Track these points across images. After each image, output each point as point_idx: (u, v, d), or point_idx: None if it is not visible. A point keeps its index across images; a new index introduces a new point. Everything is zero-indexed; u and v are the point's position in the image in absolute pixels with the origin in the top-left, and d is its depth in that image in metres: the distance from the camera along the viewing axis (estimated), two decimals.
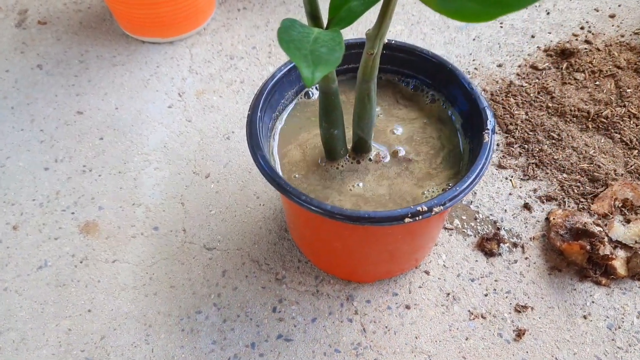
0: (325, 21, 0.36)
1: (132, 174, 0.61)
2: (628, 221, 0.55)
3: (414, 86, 0.50)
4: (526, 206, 0.58)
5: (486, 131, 0.42)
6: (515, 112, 0.64)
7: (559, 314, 0.51)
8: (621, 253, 0.53)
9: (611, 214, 0.56)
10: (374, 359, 0.49)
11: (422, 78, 0.49)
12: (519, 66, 0.69)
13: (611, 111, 0.63)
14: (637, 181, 0.58)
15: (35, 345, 0.50)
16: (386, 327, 0.51)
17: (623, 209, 0.57)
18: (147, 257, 0.55)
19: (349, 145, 0.46)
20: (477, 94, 0.44)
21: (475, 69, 0.69)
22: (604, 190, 0.57)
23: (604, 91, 0.65)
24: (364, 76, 0.40)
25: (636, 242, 0.53)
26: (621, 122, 0.62)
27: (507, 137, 0.63)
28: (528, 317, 0.51)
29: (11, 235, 0.57)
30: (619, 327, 0.50)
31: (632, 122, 0.62)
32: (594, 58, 0.69)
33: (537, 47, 0.72)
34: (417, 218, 0.38)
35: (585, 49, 0.70)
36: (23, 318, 0.52)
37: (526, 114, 0.64)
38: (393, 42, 0.48)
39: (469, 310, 0.52)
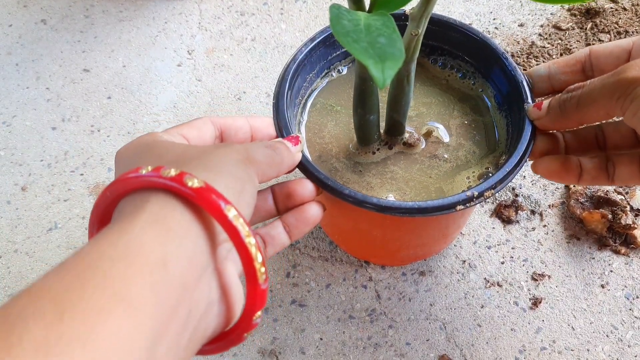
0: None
1: (141, 134, 0.59)
2: None
3: (442, 63, 0.47)
4: None
5: (527, 103, 0.40)
6: None
7: (576, 283, 0.50)
8: None
9: None
10: (388, 326, 0.49)
11: (448, 49, 0.46)
12: (541, 26, 0.66)
13: None
14: None
15: None
16: (401, 293, 0.50)
17: None
18: None
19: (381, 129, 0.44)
20: (513, 66, 0.42)
21: (496, 28, 0.67)
22: None
23: None
24: (405, 57, 0.37)
25: None
26: None
27: None
28: (545, 285, 0.50)
29: (20, 197, 0.56)
30: (637, 297, 0.50)
31: None
32: (620, 18, 0.66)
33: (561, 5, 0.69)
34: (469, 204, 0.36)
35: (612, 8, 0.67)
36: (34, 280, 0.51)
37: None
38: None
39: (484, 278, 0.51)
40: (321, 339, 0.48)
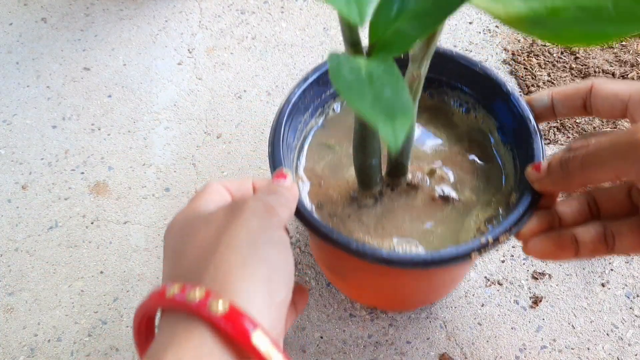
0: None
1: (141, 133, 0.60)
2: None
3: (441, 95, 0.46)
4: None
5: (534, 136, 0.39)
6: (538, 73, 0.62)
7: (576, 282, 0.50)
8: None
9: None
10: (388, 324, 0.49)
11: (446, 80, 0.45)
12: None
13: (637, 73, 0.61)
14: None
15: (48, 306, 0.50)
16: None
17: None
18: (158, 218, 0.54)
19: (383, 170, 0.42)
20: (518, 100, 0.40)
21: (497, 27, 0.67)
22: None
23: (630, 52, 0.63)
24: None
25: None
26: None
27: None
28: (545, 284, 0.50)
29: (20, 195, 0.56)
30: (637, 296, 0.50)
31: None
32: None
33: None
34: (484, 251, 0.34)
35: None
36: (35, 279, 0.51)
37: (548, 75, 0.62)
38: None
39: (485, 277, 0.51)
40: (322, 337, 0.48)
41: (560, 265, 0.51)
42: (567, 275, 0.51)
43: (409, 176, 0.42)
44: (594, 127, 0.58)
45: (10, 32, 0.68)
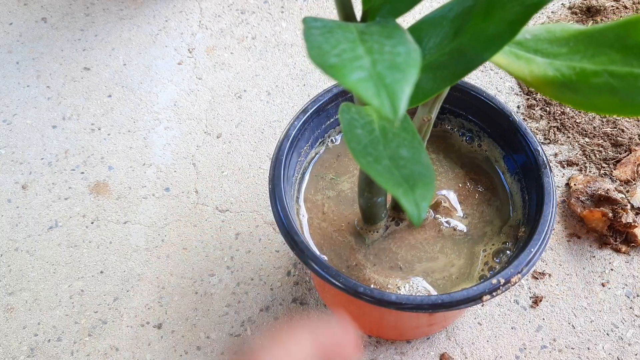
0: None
1: (142, 133, 0.60)
2: None
3: (450, 127, 0.45)
4: None
5: (543, 169, 0.38)
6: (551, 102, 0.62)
7: (576, 281, 0.50)
8: None
9: (634, 180, 0.54)
10: None
11: (449, 108, 0.44)
12: (542, 24, 0.66)
13: None
14: None
15: (48, 305, 0.50)
16: None
17: None
18: (159, 218, 0.54)
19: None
20: (532, 138, 0.40)
21: None
22: (627, 155, 0.56)
23: None
24: None
25: None
26: None
27: (528, 99, 0.61)
28: (545, 284, 0.50)
29: (20, 195, 0.56)
30: (637, 295, 0.50)
31: None
32: (620, 16, 0.66)
33: (562, 4, 0.69)
34: (495, 294, 0.34)
35: (612, 6, 0.67)
36: (35, 278, 0.51)
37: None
38: None
39: None
40: None
41: (561, 265, 0.51)
42: (567, 274, 0.51)
43: None
44: (594, 127, 0.58)
45: (11, 31, 0.68)
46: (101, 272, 0.51)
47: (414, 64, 0.20)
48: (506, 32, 0.25)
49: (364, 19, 0.28)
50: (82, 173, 0.57)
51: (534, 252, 0.36)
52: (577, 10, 0.67)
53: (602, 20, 0.66)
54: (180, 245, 0.53)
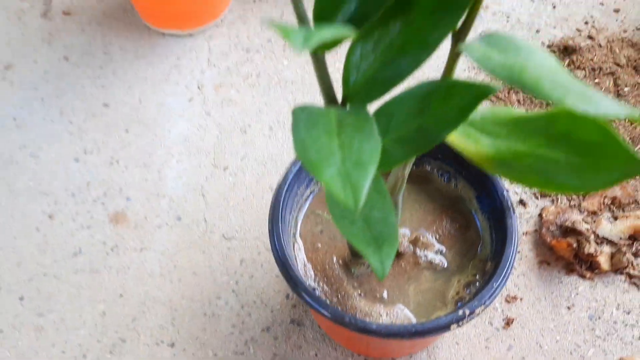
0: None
1: (156, 166, 0.66)
2: (615, 218, 0.60)
3: (430, 168, 0.51)
4: (521, 202, 0.62)
5: (507, 212, 0.44)
6: (517, 108, 0.67)
7: (545, 305, 0.56)
8: (606, 249, 0.57)
9: (600, 211, 0.60)
10: None
11: (428, 152, 0.49)
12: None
13: None
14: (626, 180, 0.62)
15: (74, 325, 0.56)
16: None
17: (612, 206, 0.61)
18: (171, 245, 0.60)
19: None
20: (499, 183, 0.46)
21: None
22: None
23: (603, 89, 0.68)
24: (392, 192, 0.40)
25: (621, 238, 0.58)
26: (616, 121, 0.66)
27: None
28: (517, 307, 0.56)
29: (47, 224, 0.62)
30: (599, 318, 0.55)
31: (626, 121, 0.66)
32: (595, 55, 0.71)
33: (542, 42, 0.74)
34: (461, 323, 0.40)
35: (588, 45, 0.72)
36: (62, 301, 0.58)
37: (526, 111, 0.67)
38: None
39: None
40: (316, 355, 0.54)
41: (531, 290, 0.57)
42: (537, 298, 0.57)
43: None
44: None
45: (36, 69, 0.74)
46: (120, 295, 0.58)
47: (374, 161, 0.26)
48: (459, 116, 0.30)
49: (344, 102, 0.34)
50: (103, 204, 0.63)
51: (495, 287, 0.42)
52: (556, 49, 0.73)
53: (577, 59, 0.71)
54: (190, 271, 0.59)
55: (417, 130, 0.32)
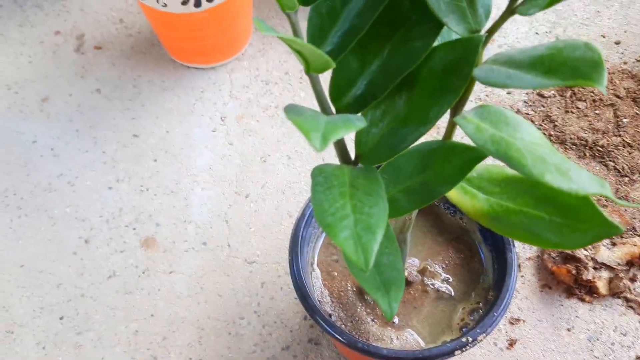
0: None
1: (182, 193, 0.71)
2: (614, 244, 0.63)
3: (437, 202, 0.55)
4: None
5: (507, 245, 0.48)
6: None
7: (546, 327, 0.60)
8: (604, 274, 0.61)
9: None
10: None
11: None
12: (527, 93, 0.76)
13: (607, 140, 0.70)
14: (625, 207, 0.66)
15: (109, 343, 0.61)
16: None
17: None
18: (198, 269, 0.65)
19: None
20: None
21: (487, 95, 0.77)
22: None
23: (602, 120, 0.72)
24: (401, 230, 0.44)
25: (618, 264, 0.61)
26: (616, 151, 0.69)
27: None
28: (520, 328, 0.60)
29: (84, 248, 0.67)
30: (597, 339, 0.59)
31: (625, 151, 0.69)
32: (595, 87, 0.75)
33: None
34: (465, 349, 0.44)
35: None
36: (98, 321, 0.63)
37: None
38: None
39: None
40: None
41: (534, 312, 0.61)
42: (539, 320, 0.61)
43: (405, 273, 0.52)
44: None
45: (70, 102, 0.80)
46: (152, 315, 0.63)
47: (382, 225, 0.30)
48: (457, 175, 0.35)
49: (356, 160, 0.38)
50: (134, 229, 0.68)
51: (496, 316, 0.46)
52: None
53: (578, 90, 0.75)
54: (215, 293, 0.64)
55: (421, 185, 0.36)
